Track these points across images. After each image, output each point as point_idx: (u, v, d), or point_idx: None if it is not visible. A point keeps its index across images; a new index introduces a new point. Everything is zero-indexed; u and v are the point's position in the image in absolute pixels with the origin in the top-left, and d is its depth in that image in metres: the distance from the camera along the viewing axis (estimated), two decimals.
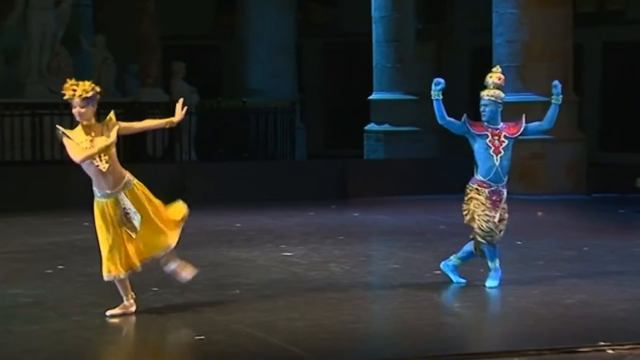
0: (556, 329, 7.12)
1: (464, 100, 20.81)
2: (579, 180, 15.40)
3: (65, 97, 7.30)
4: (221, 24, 22.92)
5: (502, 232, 8.40)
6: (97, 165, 7.30)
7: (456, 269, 8.58)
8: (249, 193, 14.41)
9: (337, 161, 16.15)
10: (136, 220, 7.37)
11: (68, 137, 7.28)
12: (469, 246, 8.52)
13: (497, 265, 8.41)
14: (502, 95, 8.41)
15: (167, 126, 7.76)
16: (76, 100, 7.24)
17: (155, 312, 7.59)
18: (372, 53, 18.54)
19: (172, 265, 7.62)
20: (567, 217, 13.25)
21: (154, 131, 16.94)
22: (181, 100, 7.74)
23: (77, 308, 7.56)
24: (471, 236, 8.48)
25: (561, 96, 8.52)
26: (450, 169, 15.98)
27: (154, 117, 17.78)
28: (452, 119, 8.46)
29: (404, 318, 7.53)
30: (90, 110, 7.29)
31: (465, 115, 8.50)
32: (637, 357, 6.46)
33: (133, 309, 7.48)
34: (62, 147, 7.36)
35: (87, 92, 7.25)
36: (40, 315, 7.49)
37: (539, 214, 13.19)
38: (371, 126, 18.63)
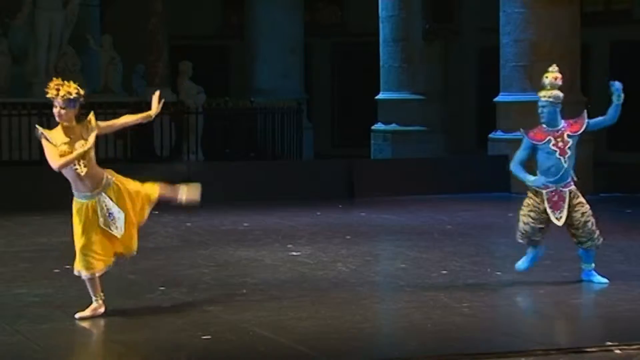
0: (563, 329, 7.11)
1: (472, 99, 20.87)
2: (586, 180, 15.29)
3: (48, 96, 7.21)
4: (229, 23, 22.94)
5: (587, 223, 8.26)
6: (76, 169, 7.24)
7: (592, 273, 8.44)
8: (256, 193, 14.41)
9: (344, 161, 16.15)
10: (121, 219, 7.34)
11: (47, 139, 7.19)
12: (580, 250, 8.45)
13: (529, 263, 8.39)
14: (561, 95, 8.26)
15: (145, 120, 7.55)
16: (58, 100, 7.16)
17: (163, 312, 7.59)
18: (379, 53, 18.53)
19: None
20: None
21: (162, 131, 17.00)
22: (157, 93, 7.57)
23: (84, 307, 7.53)
24: (575, 240, 8.40)
25: (622, 95, 8.31)
26: (457, 168, 16.00)
27: (161, 116, 17.93)
28: (521, 160, 8.28)
29: (411, 318, 7.52)
30: (72, 112, 7.20)
31: (522, 130, 8.37)
32: None
33: (102, 309, 7.43)
34: (41, 147, 7.27)
35: (70, 94, 7.15)
36: (48, 315, 7.50)
37: None
38: (378, 126, 18.62)
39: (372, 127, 18.71)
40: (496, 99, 15.76)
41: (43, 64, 16.97)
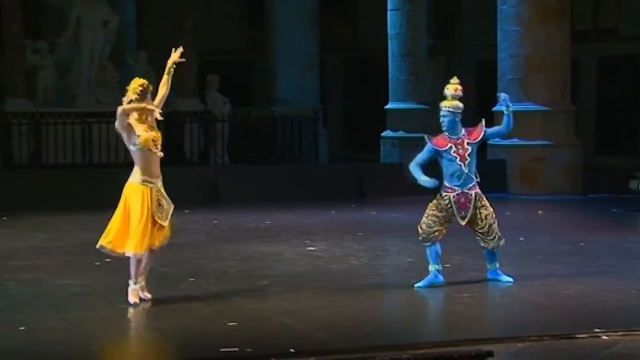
0: (555, 317, 7.10)
1: (470, 109, 20.83)
2: (576, 182, 15.33)
3: (135, 93, 7.69)
4: (252, 40, 22.96)
5: (492, 226, 8.06)
6: (154, 152, 7.44)
7: (497, 272, 8.21)
8: (276, 193, 14.42)
9: (356, 164, 16.15)
10: (170, 210, 7.44)
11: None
12: (485, 252, 8.25)
13: (434, 269, 8.12)
14: (460, 105, 8.15)
15: (169, 74, 8.10)
16: (148, 94, 7.76)
17: (192, 300, 7.62)
18: (387, 66, 18.54)
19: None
20: (565, 215, 13.19)
21: (191, 137, 17.05)
22: (180, 49, 8.02)
23: (123, 297, 7.58)
24: (481, 243, 8.20)
25: (510, 107, 8.16)
26: None
27: (190, 125, 17.90)
28: (420, 161, 8.24)
29: (417, 307, 7.53)
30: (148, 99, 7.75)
31: (426, 136, 8.32)
32: (629, 342, 6.43)
33: (139, 290, 7.50)
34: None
35: (149, 87, 7.84)
36: (90, 303, 7.54)
37: (540, 212, 13.14)
38: (387, 133, 18.63)
39: (382, 134, 18.72)
40: (494, 109, 15.73)
41: (85, 77, 17.03)
